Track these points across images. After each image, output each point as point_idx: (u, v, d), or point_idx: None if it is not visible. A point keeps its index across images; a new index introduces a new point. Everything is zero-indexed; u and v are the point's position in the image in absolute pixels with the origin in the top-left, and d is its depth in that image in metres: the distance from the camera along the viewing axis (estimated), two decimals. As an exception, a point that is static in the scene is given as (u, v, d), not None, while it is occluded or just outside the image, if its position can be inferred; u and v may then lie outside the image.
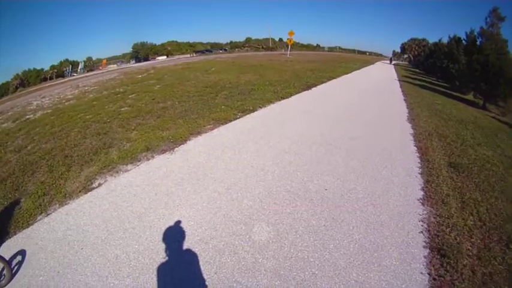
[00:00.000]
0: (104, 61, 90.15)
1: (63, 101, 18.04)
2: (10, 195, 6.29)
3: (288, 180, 6.42)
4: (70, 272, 4.10)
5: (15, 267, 4.33)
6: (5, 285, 4.20)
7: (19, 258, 4.56)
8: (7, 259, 4.34)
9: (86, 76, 53.90)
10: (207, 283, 3.83)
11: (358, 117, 12.24)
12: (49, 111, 15.31)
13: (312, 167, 7.14)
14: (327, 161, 7.47)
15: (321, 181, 6.47)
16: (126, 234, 4.75)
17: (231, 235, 4.71)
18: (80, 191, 6.11)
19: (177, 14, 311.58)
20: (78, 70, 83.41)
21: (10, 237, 4.94)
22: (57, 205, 5.73)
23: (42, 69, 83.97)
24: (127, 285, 3.85)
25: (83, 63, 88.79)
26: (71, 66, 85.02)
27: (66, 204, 5.71)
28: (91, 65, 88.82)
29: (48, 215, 5.47)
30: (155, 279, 3.90)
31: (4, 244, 4.82)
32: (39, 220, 5.36)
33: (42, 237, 4.85)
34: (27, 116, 15.14)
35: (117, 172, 6.84)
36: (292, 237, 4.70)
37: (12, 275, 4.28)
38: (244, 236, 4.68)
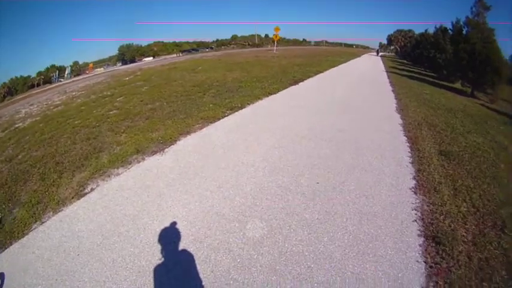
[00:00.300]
0: (91, 65, 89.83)
1: (52, 107, 17.93)
2: (4, 206, 6.26)
3: (279, 176, 6.45)
4: (68, 279, 4.10)
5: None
6: None
7: None
8: None
9: (73, 81, 53.80)
10: (203, 283, 3.86)
11: (346, 110, 12.28)
12: (38, 118, 15.23)
13: (302, 161, 7.18)
14: (317, 155, 7.51)
15: (312, 175, 6.51)
16: (121, 237, 4.76)
17: (224, 233, 4.73)
18: (72, 197, 6.10)
19: (162, 14, 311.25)
20: (65, 75, 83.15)
21: (7, 248, 4.93)
22: (51, 212, 5.72)
23: (29, 76, 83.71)
24: (124, 288, 3.87)
25: (69, 68, 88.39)
26: (57, 71, 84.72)
27: (60, 211, 5.70)
28: (78, 69, 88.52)
29: (43, 223, 5.45)
30: (152, 280, 3.93)
31: (1, 255, 4.82)
32: (34, 229, 5.34)
33: (39, 245, 4.84)
34: (17, 125, 15.08)
35: (109, 176, 6.83)
36: (286, 232, 4.74)
37: None
38: (238, 233, 4.71)
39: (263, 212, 5.21)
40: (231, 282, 3.86)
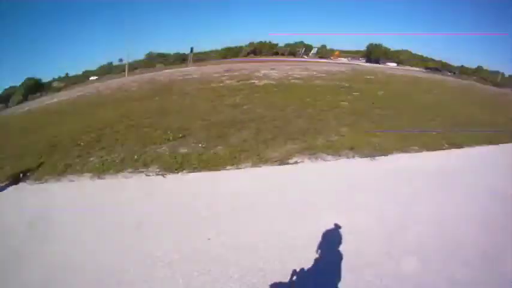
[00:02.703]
0: (337, 52, 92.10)
1: (290, 78, 19.17)
2: (212, 141, 8.24)
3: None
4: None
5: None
6: None
7: None
8: None
9: (317, 62, 55.87)
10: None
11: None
12: (273, 82, 16.47)
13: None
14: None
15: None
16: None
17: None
18: (275, 161, 7.15)
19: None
20: (310, 54, 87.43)
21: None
22: (250, 164, 7.07)
23: (276, 44, 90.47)
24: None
25: (316, 49, 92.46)
26: (304, 48, 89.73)
27: (258, 166, 7.01)
28: (323, 52, 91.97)
29: (238, 168, 6.90)
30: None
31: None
32: (228, 169, 6.96)
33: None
34: (252, 81, 16.69)
35: (316, 158, 7.55)
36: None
37: None
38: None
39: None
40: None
